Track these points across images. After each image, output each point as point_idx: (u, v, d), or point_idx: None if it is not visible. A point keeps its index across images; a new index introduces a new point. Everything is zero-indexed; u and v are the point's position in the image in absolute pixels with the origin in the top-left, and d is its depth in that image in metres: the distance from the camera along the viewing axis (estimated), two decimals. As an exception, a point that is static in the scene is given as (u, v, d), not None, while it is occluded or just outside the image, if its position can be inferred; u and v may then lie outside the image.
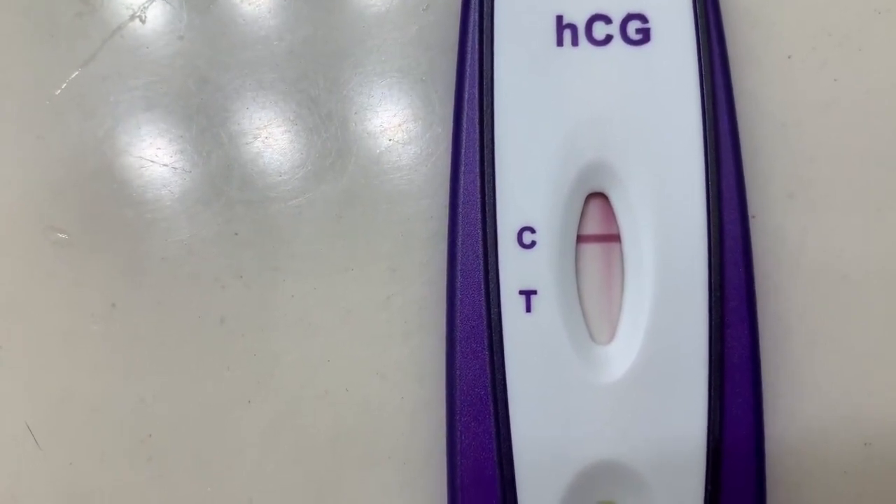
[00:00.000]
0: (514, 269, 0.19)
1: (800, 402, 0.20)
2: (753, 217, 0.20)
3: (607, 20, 0.20)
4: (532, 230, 0.19)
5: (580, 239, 0.20)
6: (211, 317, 0.21)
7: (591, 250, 0.20)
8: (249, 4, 0.22)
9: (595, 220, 0.20)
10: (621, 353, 0.19)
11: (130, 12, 0.23)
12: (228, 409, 0.21)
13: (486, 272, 0.19)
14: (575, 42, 0.20)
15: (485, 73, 0.20)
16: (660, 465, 0.18)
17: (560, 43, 0.20)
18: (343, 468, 0.21)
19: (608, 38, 0.20)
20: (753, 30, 0.21)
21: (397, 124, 0.22)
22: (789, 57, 0.21)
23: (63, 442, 0.21)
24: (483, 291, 0.19)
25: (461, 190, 0.19)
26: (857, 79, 0.21)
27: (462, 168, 0.19)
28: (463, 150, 0.20)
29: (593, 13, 0.20)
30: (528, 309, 0.19)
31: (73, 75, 0.22)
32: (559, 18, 0.20)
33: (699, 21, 0.20)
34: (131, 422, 0.21)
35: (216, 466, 0.21)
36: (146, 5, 0.23)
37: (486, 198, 0.19)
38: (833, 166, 0.21)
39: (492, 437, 0.19)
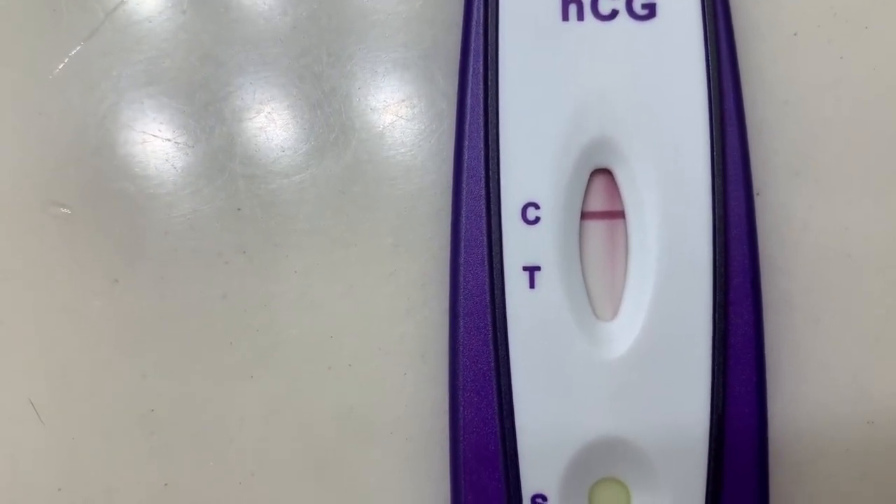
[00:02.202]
0: (517, 244, 0.19)
1: (803, 380, 0.20)
2: (758, 194, 0.20)
3: (613, -5, 0.20)
4: (536, 206, 0.19)
5: (584, 215, 0.20)
6: (213, 292, 0.21)
7: (596, 227, 0.20)
8: (252, -21, 0.22)
9: (599, 196, 0.20)
10: (625, 330, 0.19)
11: (132, -14, 0.22)
12: (231, 385, 0.21)
13: (490, 248, 0.19)
14: (580, 17, 0.20)
15: (489, 49, 0.19)
16: (662, 442, 0.19)
17: (565, 17, 0.20)
18: (345, 443, 0.21)
19: (614, 13, 0.20)
20: (759, 6, 0.21)
21: (401, 100, 0.22)
22: (795, 34, 0.21)
23: (65, 417, 0.21)
24: (486, 267, 0.19)
25: (465, 166, 0.19)
26: (863, 57, 0.21)
27: (466, 144, 0.19)
28: (467, 126, 0.19)
29: (599, -13, 0.20)
30: (532, 285, 0.19)
31: (75, 50, 0.22)
32: (564, -7, 0.20)
33: (705, -3, 0.19)
34: (134, 397, 0.21)
35: (218, 441, 0.21)
36: (148, -21, 0.22)
37: (490, 174, 0.19)
38: (838, 144, 0.21)
39: (495, 412, 0.19)
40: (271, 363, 0.21)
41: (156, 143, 0.22)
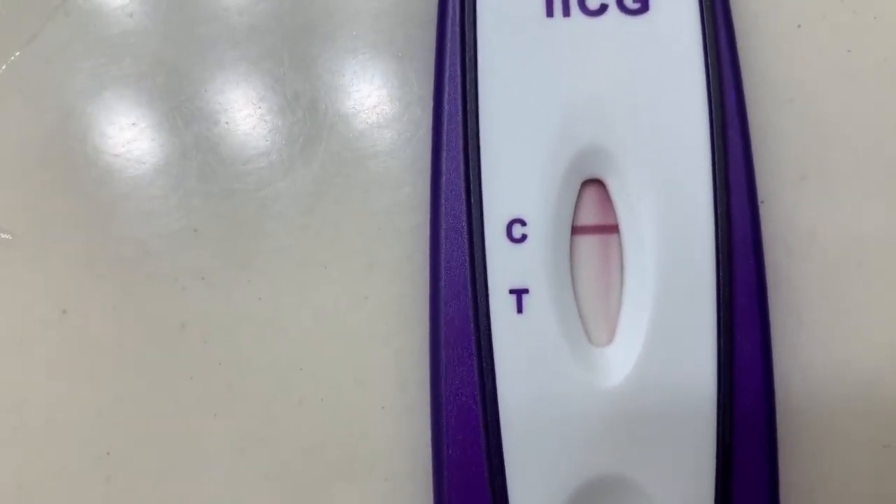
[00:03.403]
0: (503, 265, 0.19)
1: (814, 402, 0.20)
2: (763, 202, 0.20)
3: (602, -13, 0.19)
4: (522, 222, 0.19)
5: (575, 231, 0.19)
6: (171, 322, 0.21)
7: (588, 243, 0.19)
8: (206, -25, 0.22)
9: (591, 209, 0.19)
10: (621, 356, 0.19)
11: (74, -14, 0.22)
12: (193, 423, 0.20)
13: (473, 269, 0.19)
14: (566, 12, 0.19)
15: (467, 48, 0.19)
16: (665, 478, 0.18)
17: (550, 13, 0.19)
18: (320, 484, 0.20)
19: (603, 8, 0.19)
20: (760, -3, 0.21)
21: (372, 105, 0.21)
22: (799, 26, 0.21)
23: (11, 461, 0.20)
24: (469, 290, 0.19)
25: (444, 178, 0.19)
26: (872, 49, 0.21)
27: (444, 154, 0.19)
28: (445, 134, 0.19)
29: (586, -21, 0.19)
30: (520, 309, 0.18)
31: (14, 57, 0.22)
32: (548, -14, 0.19)
33: (702, -13, 0.20)
34: (87, 438, 0.20)
35: (181, 485, 0.20)
36: (91, -22, 0.22)
37: (472, 187, 0.19)
38: (848, 145, 0.20)
39: (481, 448, 0.18)
40: (236, 399, 0.20)
41: (104, 159, 0.21)
